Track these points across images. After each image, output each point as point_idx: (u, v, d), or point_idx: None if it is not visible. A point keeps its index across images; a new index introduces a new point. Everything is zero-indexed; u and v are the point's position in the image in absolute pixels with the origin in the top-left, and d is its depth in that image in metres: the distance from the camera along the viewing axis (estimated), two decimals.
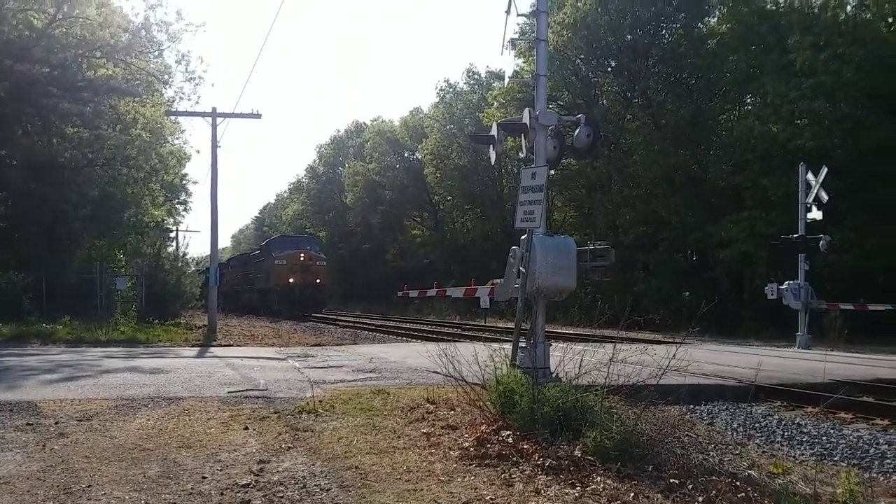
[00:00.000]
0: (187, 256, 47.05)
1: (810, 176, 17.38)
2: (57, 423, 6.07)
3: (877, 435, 6.73)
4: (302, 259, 35.68)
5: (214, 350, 13.96)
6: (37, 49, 22.67)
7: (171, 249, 38.84)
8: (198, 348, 14.59)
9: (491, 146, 7.90)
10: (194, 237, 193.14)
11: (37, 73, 22.47)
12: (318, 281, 36.03)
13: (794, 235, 17.64)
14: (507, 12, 7.43)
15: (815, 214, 17.28)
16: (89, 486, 4.30)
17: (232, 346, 15.65)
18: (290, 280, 34.79)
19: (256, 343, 17.05)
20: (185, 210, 46.22)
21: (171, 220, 41.79)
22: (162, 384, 8.33)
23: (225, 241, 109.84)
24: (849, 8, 26.00)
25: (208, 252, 22.55)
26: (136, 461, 4.86)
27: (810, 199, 17.30)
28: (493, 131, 7.75)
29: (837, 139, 23.78)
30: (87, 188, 24.82)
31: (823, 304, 17.81)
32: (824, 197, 17.09)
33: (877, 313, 18.18)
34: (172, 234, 44.35)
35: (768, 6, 29.11)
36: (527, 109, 7.34)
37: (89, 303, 21.51)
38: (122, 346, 14.95)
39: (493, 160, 8.52)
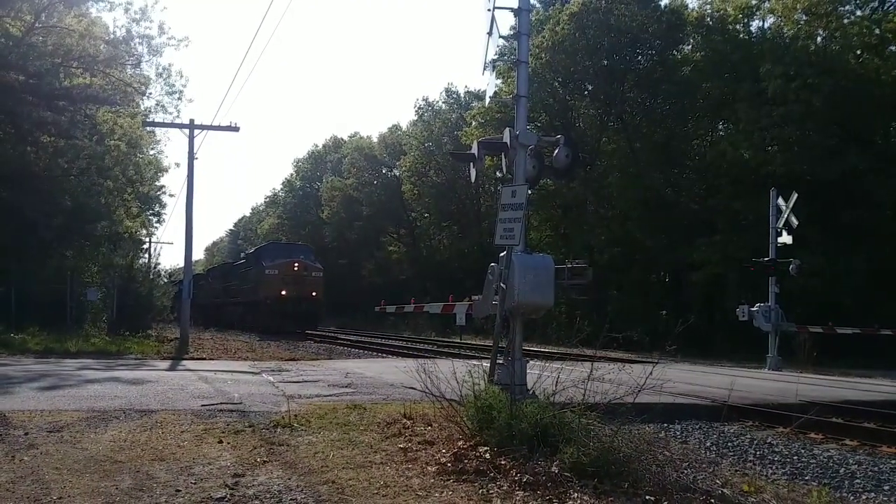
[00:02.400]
0: (159, 268, 46.49)
1: (781, 201, 17.74)
2: (27, 433, 5.94)
3: (846, 455, 6.85)
4: (296, 269, 31.97)
5: (187, 363, 13.76)
6: (13, 56, 22.39)
7: (143, 261, 38.29)
8: (170, 361, 14.38)
9: (471, 163, 7.97)
10: (167, 249, 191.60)
11: (12, 81, 22.18)
12: (313, 294, 32.23)
13: (765, 259, 17.96)
14: (489, 34, 7.52)
15: (786, 239, 17.62)
16: (60, 498, 4.21)
17: (205, 359, 15.43)
18: (283, 292, 31.05)
19: (230, 357, 16.84)
20: (158, 221, 45.78)
21: (145, 232, 41.31)
22: (134, 396, 8.19)
23: (199, 254, 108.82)
24: (819, 39, 26.78)
25: (181, 264, 22.35)
26: (107, 473, 4.78)
27: (780, 224, 17.65)
28: (474, 149, 7.82)
29: (807, 166, 24.36)
30: (61, 198, 24.44)
31: (793, 327, 18.11)
32: (794, 222, 17.45)
33: (845, 336, 18.55)
34: (145, 246, 43.79)
35: (741, 35, 29.92)
36: (507, 129, 7.42)
37: (59, 314, 21.14)
38: (92, 357, 14.67)
39: (472, 177, 8.60)
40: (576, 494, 4.41)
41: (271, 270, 31.72)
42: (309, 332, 30.42)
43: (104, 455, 5.26)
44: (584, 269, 7.71)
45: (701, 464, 5.98)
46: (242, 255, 46.19)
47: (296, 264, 32.12)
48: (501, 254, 7.04)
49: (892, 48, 25.80)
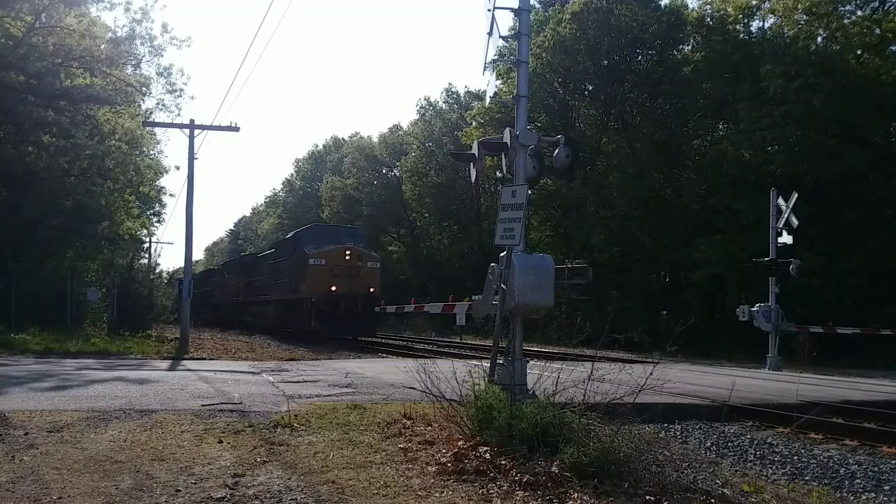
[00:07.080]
0: (159, 268, 46.41)
1: (781, 201, 17.73)
2: (27, 433, 5.94)
3: (847, 455, 6.85)
4: (348, 258, 25.07)
5: (187, 363, 13.76)
6: (13, 56, 22.39)
7: (143, 261, 38.19)
8: (170, 361, 14.37)
9: (472, 163, 7.97)
10: (167, 249, 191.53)
11: (12, 81, 22.18)
12: (371, 290, 25.40)
13: (765, 259, 17.94)
14: (489, 34, 7.53)
15: (786, 239, 17.60)
16: (60, 499, 4.21)
17: (205, 359, 15.44)
18: (333, 288, 24.35)
19: (230, 357, 16.85)
20: (158, 221, 45.75)
21: (145, 232, 41.27)
22: (134, 396, 8.19)
23: (199, 254, 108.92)
24: (819, 39, 26.77)
25: (181, 264, 22.32)
26: (107, 473, 4.78)
27: (781, 224, 17.63)
28: (475, 149, 7.82)
29: (807, 165, 24.36)
30: (61, 198, 24.43)
31: (793, 327, 18.10)
32: (794, 222, 17.43)
33: (845, 336, 18.55)
34: (145, 246, 43.74)
35: (741, 36, 29.91)
36: (507, 129, 7.41)
37: (59, 313, 21.16)
38: (93, 357, 14.65)
39: (473, 178, 8.59)
40: (576, 494, 4.41)
41: (317, 260, 24.98)
42: (365, 340, 25.30)
43: (104, 455, 5.26)
44: (584, 269, 7.70)
45: (701, 464, 5.97)
46: (272, 242, 39.67)
47: (348, 252, 25.25)
48: (501, 254, 7.04)
49: (893, 48, 25.80)
